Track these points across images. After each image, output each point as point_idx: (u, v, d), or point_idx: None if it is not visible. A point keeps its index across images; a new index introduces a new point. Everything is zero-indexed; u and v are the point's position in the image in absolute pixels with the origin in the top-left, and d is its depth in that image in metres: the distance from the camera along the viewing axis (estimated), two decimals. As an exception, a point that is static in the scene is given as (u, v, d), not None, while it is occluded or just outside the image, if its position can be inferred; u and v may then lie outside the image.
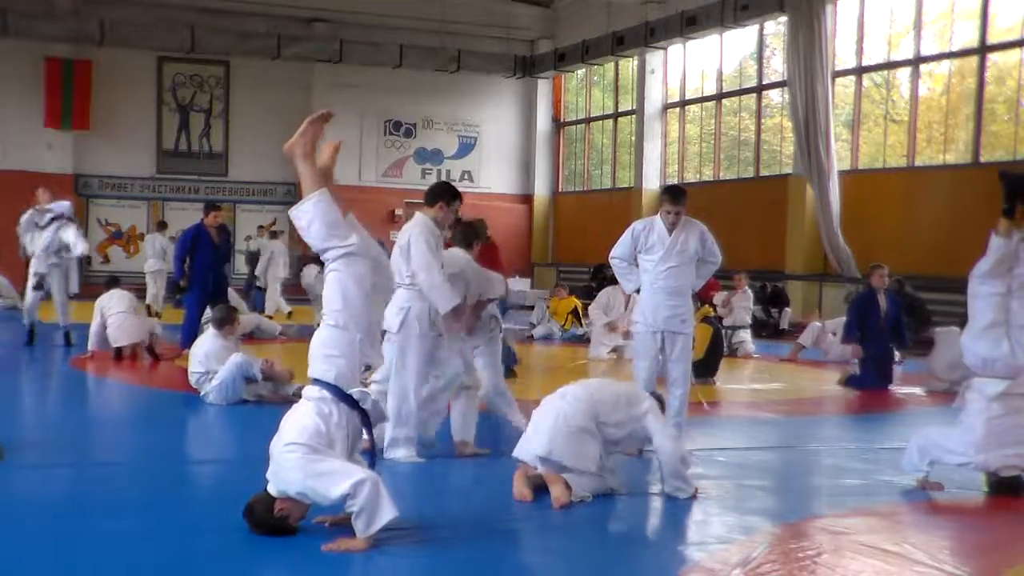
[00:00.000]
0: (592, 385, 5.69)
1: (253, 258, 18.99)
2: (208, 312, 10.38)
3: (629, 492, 5.46)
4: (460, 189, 6.57)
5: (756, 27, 20.19)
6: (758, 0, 18.63)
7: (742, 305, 14.00)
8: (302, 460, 4.26)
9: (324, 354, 4.46)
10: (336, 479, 4.23)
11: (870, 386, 10.46)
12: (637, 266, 6.93)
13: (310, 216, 4.50)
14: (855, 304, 11.35)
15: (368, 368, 4.68)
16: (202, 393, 8.34)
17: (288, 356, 9.95)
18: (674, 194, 6.89)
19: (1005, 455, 5.66)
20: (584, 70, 25.65)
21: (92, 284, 17.66)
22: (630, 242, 6.90)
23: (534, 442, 5.37)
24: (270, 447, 4.39)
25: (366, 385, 4.76)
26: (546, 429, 5.34)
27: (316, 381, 4.46)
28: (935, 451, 5.82)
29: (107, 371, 10.26)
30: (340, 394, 4.42)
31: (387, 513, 4.24)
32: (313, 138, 4.63)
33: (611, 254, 7.06)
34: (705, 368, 10.16)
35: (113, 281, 11.86)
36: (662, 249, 6.77)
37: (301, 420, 4.39)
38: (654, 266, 6.79)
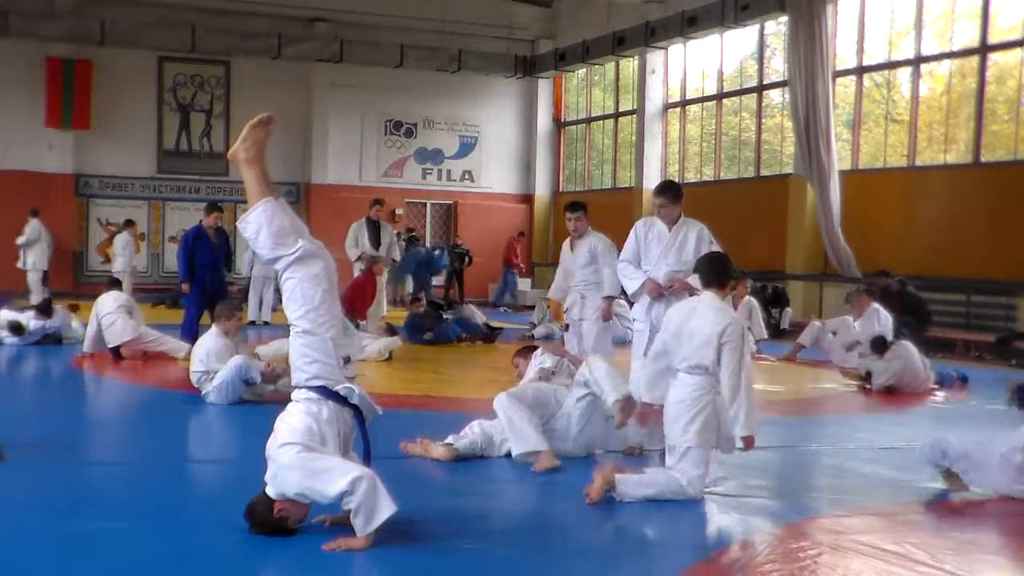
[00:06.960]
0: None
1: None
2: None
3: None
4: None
5: (756, 27, 20.17)
6: (758, 0, 18.64)
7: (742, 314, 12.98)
8: (299, 458, 4.27)
9: (301, 362, 4.45)
10: (333, 476, 4.23)
11: None
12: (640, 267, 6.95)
13: (256, 226, 4.44)
14: None
15: (348, 360, 4.65)
16: (203, 392, 8.35)
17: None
18: (659, 188, 7.02)
19: None
20: (584, 70, 25.64)
21: (94, 284, 17.73)
22: (635, 243, 6.94)
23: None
24: (266, 450, 4.40)
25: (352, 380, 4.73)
26: None
27: (301, 386, 4.47)
28: (961, 463, 5.69)
29: (107, 371, 10.28)
30: (326, 392, 4.43)
31: (385, 509, 4.24)
32: (256, 143, 4.53)
33: (619, 257, 7.09)
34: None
35: (113, 282, 11.94)
36: (660, 245, 6.81)
37: (292, 421, 4.39)
38: (653, 265, 6.81)
